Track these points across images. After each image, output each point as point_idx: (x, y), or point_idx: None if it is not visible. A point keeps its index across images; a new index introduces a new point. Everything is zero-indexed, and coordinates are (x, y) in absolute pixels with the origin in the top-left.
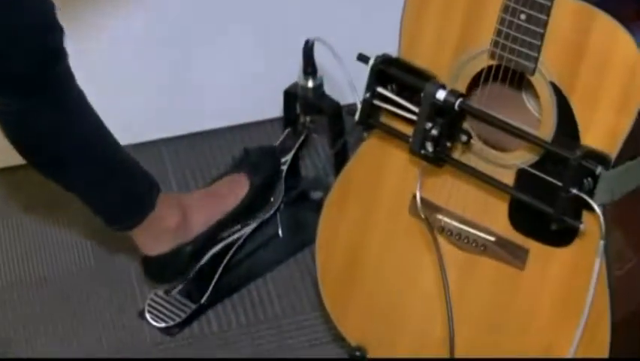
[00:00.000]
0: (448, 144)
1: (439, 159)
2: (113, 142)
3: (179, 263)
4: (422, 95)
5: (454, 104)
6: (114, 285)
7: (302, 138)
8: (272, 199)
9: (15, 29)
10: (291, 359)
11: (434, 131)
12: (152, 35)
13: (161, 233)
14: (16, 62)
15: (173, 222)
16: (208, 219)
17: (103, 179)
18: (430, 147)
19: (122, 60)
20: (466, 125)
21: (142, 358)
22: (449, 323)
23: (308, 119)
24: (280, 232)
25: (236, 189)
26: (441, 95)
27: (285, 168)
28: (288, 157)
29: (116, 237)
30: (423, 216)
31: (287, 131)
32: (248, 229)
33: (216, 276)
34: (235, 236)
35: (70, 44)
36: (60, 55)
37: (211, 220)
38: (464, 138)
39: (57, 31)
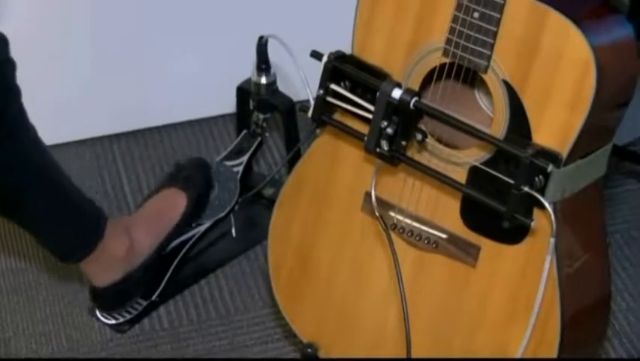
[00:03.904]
0: (404, 143)
1: (395, 158)
2: (64, 176)
3: (130, 290)
4: (378, 93)
5: (409, 102)
6: (64, 280)
7: (258, 140)
8: (217, 203)
9: None
10: (245, 359)
11: (389, 130)
12: (104, 29)
13: (110, 263)
14: None
15: (122, 251)
16: (154, 240)
17: (54, 214)
18: (385, 145)
19: (73, 53)
20: (419, 122)
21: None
22: (405, 323)
23: (262, 117)
24: (233, 232)
25: (176, 203)
26: (396, 93)
27: (241, 169)
28: (244, 158)
29: None
30: (377, 213)
31: (243, 132)
32: (202, 228)
33: (168, 273)
34: (189, 234)
35: (19, 38)
36: (15, 92)
37: (157, 240)
38: (419, 136)
39: (9, 67)
